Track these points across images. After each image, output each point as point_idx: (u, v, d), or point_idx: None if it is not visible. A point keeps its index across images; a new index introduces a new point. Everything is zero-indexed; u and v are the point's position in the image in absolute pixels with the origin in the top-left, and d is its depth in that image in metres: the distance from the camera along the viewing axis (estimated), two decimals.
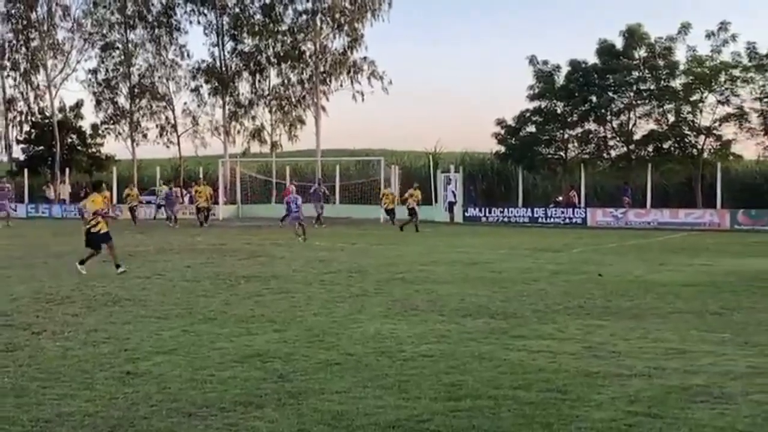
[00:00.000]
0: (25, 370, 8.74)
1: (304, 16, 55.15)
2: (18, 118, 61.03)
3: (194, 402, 7.50)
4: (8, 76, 60.00)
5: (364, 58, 55.61)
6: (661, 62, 42.49)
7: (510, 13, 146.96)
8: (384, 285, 16.13)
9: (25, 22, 58.03)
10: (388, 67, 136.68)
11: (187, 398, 7.64)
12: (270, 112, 57.97)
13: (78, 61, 59.54)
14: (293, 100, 57.53)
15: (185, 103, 60.55)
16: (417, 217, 34.64)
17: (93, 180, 23.64)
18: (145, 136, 59.22)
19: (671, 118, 42.79)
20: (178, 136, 58.87)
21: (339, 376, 8.54)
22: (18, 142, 60.85)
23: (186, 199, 48.74)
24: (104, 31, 58.42)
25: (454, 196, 43.54)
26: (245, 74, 57.47)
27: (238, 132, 58.39)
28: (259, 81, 57.59)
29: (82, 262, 17.94)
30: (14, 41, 59.25)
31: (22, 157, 60.22)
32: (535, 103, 45.29)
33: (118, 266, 17.90)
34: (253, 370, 8.77)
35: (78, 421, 6.90)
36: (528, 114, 45.48)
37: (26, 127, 60.96)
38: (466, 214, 43.08)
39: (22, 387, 8.01)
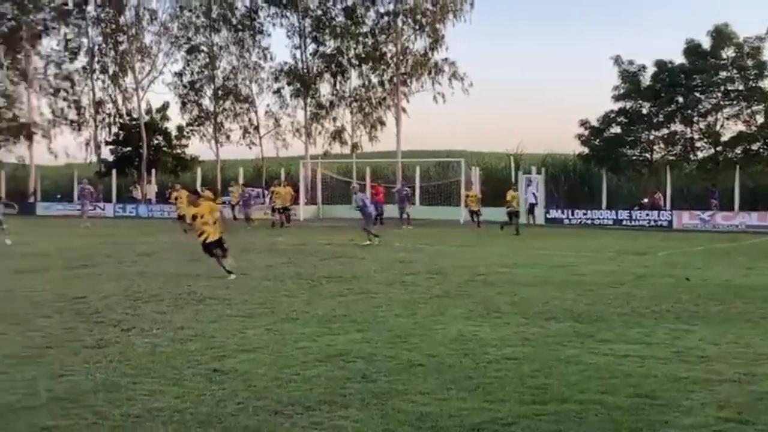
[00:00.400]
0: (115, 366, 8.94)
1: (386, 18, 55.20)
2: (106, 120, 62.17)
3: (280, 400, 7.59)
4: (98, 79, 61.17)
5: (445, 59, 55.40)
6: (749, 62, 41.56)
7: (594, 13, 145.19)
8: (465, 287, 16.08)
9: (114, 26, 59.13)
10: (469, 67, 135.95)
11: (272, 396, 7.73)
12: (351, 113, 58.15)
13: (164, 64, 60.53)
14: (374, 101, 57.58)
15: (268, 105, 61.23)
16: (518, 219, 34.27)
17: (193, 189, 23.44)
18: (228, 137, 59.89)
19: (760, 120, 41.82)
20: (261, 138, 59.46)
21: (422, 377, 8.55)
22: (106, 143, 62.00)
23: (267, 200, 49.08)
24: (190, 35, 59.24)
25: (535, 197, 43.15)
26: (327, 76, 57.72)
27: (319, 133, 58.70)
28: (340, 82, 57.82)
29: (229, 272, 17.41)
30: (103, 45, 60.46)
31: (110, 158, 61.33)
32: (620, 104, 44.61)
33: (229, 272, 17.34)
34: (337, 370, 8.83)
35: (167, 416, 7.04)
36: (613, 115, 44.80)
37: (114, 129, 62.08)
38: (548, 216, 42.64)
39: (113, 382, 8.20)
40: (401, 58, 55.50)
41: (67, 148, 62.45)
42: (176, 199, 36.33)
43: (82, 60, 60.80)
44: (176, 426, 6.81)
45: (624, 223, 40.58)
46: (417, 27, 54.78)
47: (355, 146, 58.24)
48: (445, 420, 7.04)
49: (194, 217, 18.08)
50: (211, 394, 7.78)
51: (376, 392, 7.88)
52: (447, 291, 15.43)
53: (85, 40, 60.24)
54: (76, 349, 9.87)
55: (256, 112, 59.60)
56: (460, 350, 9.90)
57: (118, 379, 8.32)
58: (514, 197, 34.66)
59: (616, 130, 44.89)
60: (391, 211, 39.35)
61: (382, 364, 9.10)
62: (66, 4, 59.28)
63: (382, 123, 57.87)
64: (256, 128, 59.48)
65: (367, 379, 8.44)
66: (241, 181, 50.71)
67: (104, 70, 60.88)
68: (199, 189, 20.06)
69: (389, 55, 56.05)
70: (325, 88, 58.16)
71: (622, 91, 44.30)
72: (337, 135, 58.19)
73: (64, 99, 61.24)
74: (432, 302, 13.97)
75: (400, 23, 54.93)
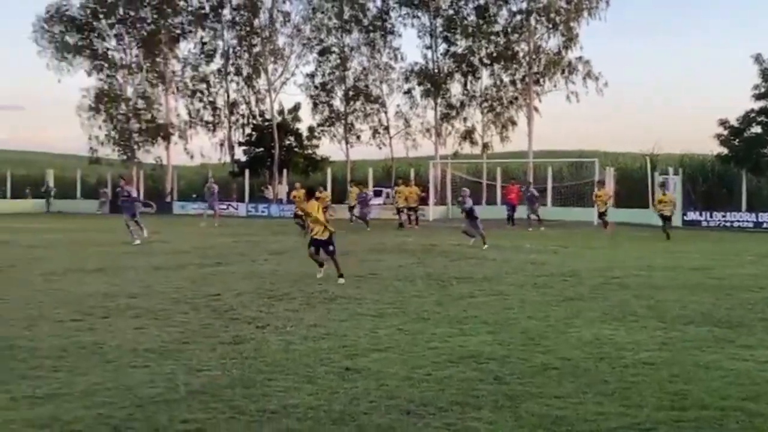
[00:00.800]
0: (251, 362, 9.08)
1: (518, 17, 54.86)
2: (240, 121, 63.60)
3: (412, 400, 7.57)
4: (232, 81, 62.62)
5: (579, 57, 54.69)
6: None
7: (733, 10, 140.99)
8: (599, 289, 15.76)
9: (248, 29, 60.44)
10: (603, 66, 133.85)
11: (405, 396, 7.72)
12: (481, 113, 57.95)
13: (296, 66, 61.59)
14: (505, 101, 57.27)
15: (398, 105, 61.70)
16: (670, 223, 32.85)
17: (307, 186, 23.20)
18: (358, 137, 60.46)
19: None
20: (390, 138, 59.83)
21: (556, 380, 8.41)
22: (240, 144, 63.39)
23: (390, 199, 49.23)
24: (322, 36, 60.07)
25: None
26: (457, 75, 57.68)
27: (449, 133, 58.71)
28: (471, 82, 57.70)
29: (340, 276, 16.94)
30: (238, 48, 61.88)
31: (243, 159, 62.69)
32: (761, 103, 43.04)
33: (340, 275, 16.92)
34: (469, 371, 8.76)
35: (302, 413, 7.10)
36: (753, 114, 43.27)
37: (247, 130, 63.41)
38: (684, 218, 41.43)
39: (248, 378, 8.33)
40: (534, 57, 55.07)
41: (202, 148, 64.39)
42: (295, 197, 36.69)
43: (217, 62, 62.45)
44: (311, 423, 6.86)
45: (765, 226, 39.10)
46: (550, 25, 54.28)
47: (485, 146, 58.01)
48: (581, 424, 6.90)
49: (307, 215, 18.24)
50: (344, 392, 7.82)
51: (509, 394, 7.79)
52: (581, 293, 15.15)
53: (220, 43, 61.88)
54: (212, 344, 10.08)
55: (386, 113, 60.07)
56: (596, 354, 9.71)
57: (253, 375, 8.45)
58: (666, 200, 33.02)
59: (756, 129, 43.32)
60: (524, 211, 38.98)
61: (515, 366, 8.99)
62: (203, 8, 60.92)
63: (514, 123, 57.52)
64: (386, 128, 59.88)
65: (500, 381, 8.34)
66: (370, 182, 51.15)
67: (238, 72, 62.28)
68: (316, 189, 20.05)
69: (521, 54, 55.69)
70: (455, 88, 58.25)
71: (762, 89, 42.75)
72: (468, 135, 58.07)
73: (200, 100, 62.98)
74: (565, 305, 13.74)
75: (533, 22, 54.55)
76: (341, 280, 16.67)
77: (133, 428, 6.69)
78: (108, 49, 62.63)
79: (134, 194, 27.11)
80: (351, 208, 41.33)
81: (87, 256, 22.02)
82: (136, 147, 62.19)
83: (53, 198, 59.81)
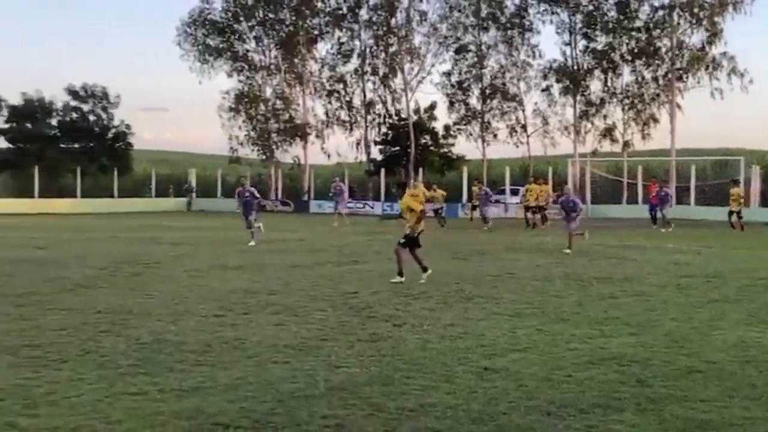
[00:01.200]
0: (388, 360, 9.12)
1: (661, 12, 53.74)
2: (376, 120, 64.13)
3: (552, 401, 7.47)
4: (368, 80, 63.21)
5: (724, 53, 53.13)
6: None
7: None
8: (745, 291, 15.23)
9: (385, 29, 60.88)
10: (748, 62, 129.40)
11: (544, 397, 7.62)
12: (622, 110, 56.94)
13: (432, 65, 61.72)
14: (646, 98, 56.07)
15: (535, 103, 61.14)
16: None
17: (402, 182, 22.08)
18: (495, 136, 60.22)
19: None
20: (528, 136, 59.38)
21: (702, 383, 8.17)
22: (375, 143, 63.96)
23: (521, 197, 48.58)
24: (458, 35, 60.04)
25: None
26: (597, 72, 56.86)
27: (588, 131, 57.92)
28: (611, 79, 56.80)
29: (425, 268, 16.51)
30: (374, 47, 62.40)
31: (379, 158, 63.18)
32: None
33: (424, 269, 16.41)
34: (611, 373, 8.59)
35: (441, 412, 7.08)
36: None
37: (383, 129, 63.95)
38: None
39: (386, 376, 8.36)
40: (677, 52, 53.76)
41: (338, 147, 65.18)
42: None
43: (354, 62, 63.10)
44: (449, 422, 6.84)
45: None
46: (694, 20, 52.94)
47: (626, 144, 56.91)
48: (727, 429, 6.71)
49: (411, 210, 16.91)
50: (483, 392, 7.76)
51: (652, 397, 7.60)
52: (725, 295, 14.66)
53: (357, 43, 62.49)
54: (350, 342, 10.16)
55: (523, 111, 59.65)
56: (741, 357, 9.38)
57: (391, 373, 8.48)
58: None
59: None
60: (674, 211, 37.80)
61: (658, 369, 8.76)
62: (340, 8, 61.67)
63: (656, 120, 56.25)
64: (524, 127, 59.48)
65: (643, 383, 8.14)
66: (507, 180, 50.86)
67: (375, 71, 62.78)
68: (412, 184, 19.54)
69: (664, 50, 54.52)
70: (595, 85, 57.50)
71: None
72: (608, 133, 57.18)
73: (337, 100, 63.76)
74: (710, 306, 13.31)
75: (675, 17, 53.23)
76: (398, 279, 16.10)
77: (275, 422, 6.79)
78: (248, 51, 64.19)
79: (256, 194, 27.18)
80: (474, 208, 40.89)
81: (228, 254, 22.56)
82: (274, 147, 63.45)
83: (195, 197, 61.49)
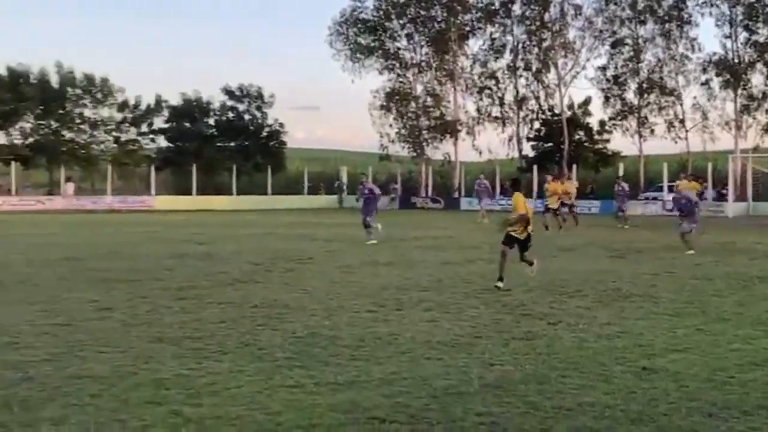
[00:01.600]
0: (544, 359, 8.97)
1: None
2: (529, 116, 63.67)
3: (714, 402, 7.21)
4: (521, 76, 62.80)
5: None
6: None
7: None
8: None
9: (538, 23, 60.32)
10: None
11: (706, 398, 7.38)
12: None
13: (587, 59, 60.88)
14: None
15: (694, 98, 59.52)
16: None
17: (513, 178, 20.15)
18: (652, 131, 58.91)
19: None
20: (687, 131, 57.82)
21: None
22: (528, 139, 63.49)
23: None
24: (614, 28, 59.03)
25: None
26: (759, 66, 54.89)
27: (750, 126, 56.05)
28: None
29: (530, 263, 15.67)
30: (527, 42, 61.91)
31: (531, 154, 62.64)
32: None
33: (501, 279, 14.88)
34: None
35: (598, 411, 6.91)
36: None
37: (536, 125, 63.39)
38: None
39: (542, 374, 8.22)
40: None
41: (489, 144, 64.94)
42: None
43: (506, 58, 62.79)
44: (607, 422, 6.66)
45: None
46: None
47: None
48: None
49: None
50: (642, 392, 7.54)
51: None
52: None
53: (509, 39, 62.19)
54: (504, 339, 10.04)
55: (681, 105, 58.12)
56: None
57: (547, 372, 8.33)
58: None
59: None
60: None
61: None
62: (492, 4, 61.42)
63: None
64: (682, 122, 57.93)
65: None
66: (665, 177, 49.66)
67: (527, 67, 62.35)
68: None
69: None
70: (757, 79, 55.68)
71: None
72: None
73: (489, 96, 63.54)
74: None
75: None
76: (498, 284, 14.77)
77: (430, 418, 6.76)
78: (399, 48, 64.72)
79: (376, 191, 26.81)
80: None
81: (379, 250, 22.71)
82: (424, 144, 63.71)
83: (346, 194, 62.31)
